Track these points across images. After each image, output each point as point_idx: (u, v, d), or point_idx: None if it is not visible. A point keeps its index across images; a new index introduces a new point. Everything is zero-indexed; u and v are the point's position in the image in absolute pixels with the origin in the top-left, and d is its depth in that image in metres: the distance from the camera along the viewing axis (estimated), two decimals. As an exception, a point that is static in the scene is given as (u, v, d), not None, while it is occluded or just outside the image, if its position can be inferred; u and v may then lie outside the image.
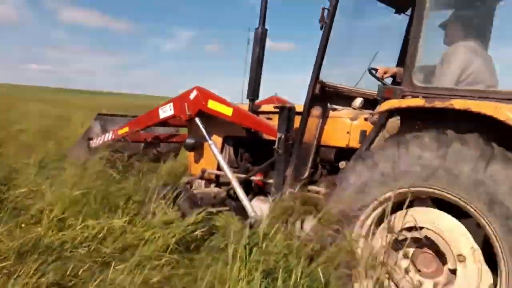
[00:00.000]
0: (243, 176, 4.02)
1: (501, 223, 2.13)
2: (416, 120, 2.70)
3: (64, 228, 3.32)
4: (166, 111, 4.44)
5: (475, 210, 2.22)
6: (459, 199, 2.29)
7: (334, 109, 3.58)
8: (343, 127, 3.42)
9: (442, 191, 2.35)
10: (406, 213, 2.52)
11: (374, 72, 3.51)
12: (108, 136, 5.08)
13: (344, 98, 3.65)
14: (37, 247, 2.96)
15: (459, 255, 2.32)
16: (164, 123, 4.88)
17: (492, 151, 2.18)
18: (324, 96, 3.46)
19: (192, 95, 4.20)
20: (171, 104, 4.39)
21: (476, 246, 2.29)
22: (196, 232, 3.39)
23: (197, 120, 4.18)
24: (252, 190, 4.09)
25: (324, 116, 3.57)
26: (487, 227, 2.19)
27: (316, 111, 3.56)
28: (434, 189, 2.37)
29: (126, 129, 4.89)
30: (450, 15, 3.10)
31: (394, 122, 2.97)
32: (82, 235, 3.21)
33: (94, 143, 5.24)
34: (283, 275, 2.47)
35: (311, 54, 3.35)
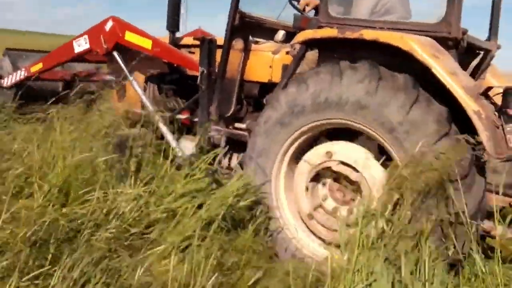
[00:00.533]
0: (168, 115, 3.88)
1: (388, 136, 2.28)
2: (333, 52, 2.68)
3: (68, 203, 2.53)
4: (81, 45, 4.08)
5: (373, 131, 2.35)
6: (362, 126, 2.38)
7: (256, 42, 3.46)
8: (266, 61, 3.34)
9: (338, 119, 2.42)
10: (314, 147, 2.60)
11: (296, 3, 3.39)
12: (21, 73, 4.65)
13: (266, 30, 3.53)
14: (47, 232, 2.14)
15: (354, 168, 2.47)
16: (82, 58, 4.53)
17: (378, 76, 2.25)
18: (245, 28, 3.32)
19: (108, 26, 3.86)
20: (86, 36, 4.03)
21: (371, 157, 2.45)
22: (241, 203, 2.65)
23: (115, 54, 3.88)
24: (179, 130, 4.00)
25: (246, 50, 3.45)
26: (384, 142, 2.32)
27: (238, 44, 3.42)
28: (330, 119, 2.44)
29: (40, 65, 4.48)
30: None
31: (313, 55, 2.94)
32: (100, 211, 2.45)
33: (5, 82, 4.80)
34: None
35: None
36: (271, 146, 2.73)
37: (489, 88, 2.23)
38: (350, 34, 2.40)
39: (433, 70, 2.17)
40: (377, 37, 2.31)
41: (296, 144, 2.70)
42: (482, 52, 3.18)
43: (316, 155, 2.63)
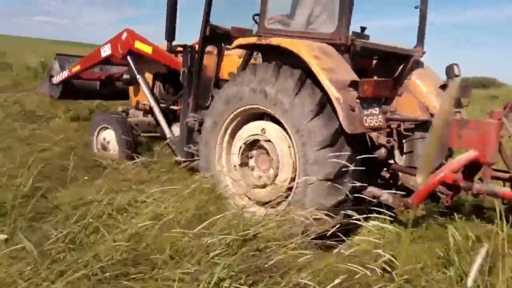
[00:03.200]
0: (163, 105, 5.00)
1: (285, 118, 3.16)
2: (270, 55, 3.59)
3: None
4: (106, 51, 5.37)
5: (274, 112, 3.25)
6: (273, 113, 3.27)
7: (228, 49, 4.45)
8: (234, 63, 4.31)
9: (262, 107, 3.32)
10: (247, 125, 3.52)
11: (256, 18, 4.32)
12: (65, 73, 6.07)
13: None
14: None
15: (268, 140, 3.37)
16: (109, 62, 5.81)
17: (277, 74, 3.12)
18: (217, 37, 4.33)
19: (123, 36, 5.11)
20: (109, 44, 5.31)
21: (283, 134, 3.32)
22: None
23: (128, 58, 5.11)
24: (176, 118, 5.09)
25: (220, 54, 4.47)
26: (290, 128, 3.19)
27: (213, 49, 4.45)
28: (254, 105, 3.35)
29: (78, 67, 5.86)
30: None
31: (259, 57, 3.88)
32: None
33: (56, 79, 6.26)
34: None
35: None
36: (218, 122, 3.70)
37: (355, 82, 3.01)
38: (262, 41, 3.33)
39: (311, 67, 3.02)
40: (279, 43, 3.22)
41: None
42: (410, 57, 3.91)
43: (253, 128, 3.53)
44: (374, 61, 4.22)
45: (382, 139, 3.59)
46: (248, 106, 3.47)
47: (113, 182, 3.56)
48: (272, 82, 3.20)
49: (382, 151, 3.64)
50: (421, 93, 3.97)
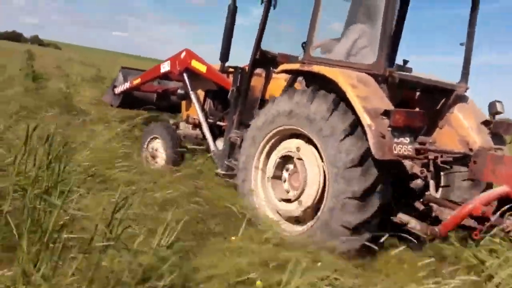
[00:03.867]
0: (211, 121, 5.39)
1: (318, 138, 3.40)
2: (312, 82, 3.86)
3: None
4: (165, 67, 5.90)
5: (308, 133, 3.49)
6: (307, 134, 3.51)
7: (275, 73, 4.76)
8: (280, 86, 4.60)
9: (297, 128, 3.57)
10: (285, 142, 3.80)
11: (304, 45, 4.59)
12: (127, 85, 6.69)
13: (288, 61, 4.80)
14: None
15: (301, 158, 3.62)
16: (167, 77, 6.34)
17: (313, 97, 3.37)
18: (265, 61, 4.67)
19: (182, 55, 5.60)
20: (169, 61, 5.83)
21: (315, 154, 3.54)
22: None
23: (184, 75, 5.58)
24: (221, 133, 5.45)
25: (268, 77, 4.80)
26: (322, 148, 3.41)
27: (262, 72, 4.79)
28: (290, 125, 3.61)
29: (139, 80, 6.45)
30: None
31: (303, 82, 4.16)
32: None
33: (118, 89, 6.90)
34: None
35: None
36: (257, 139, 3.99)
37: (387, 111, 3.17)
38: (304, 67, 3.60)
39: (347, 94, 3.24)
40: (319, 70, 3.47)
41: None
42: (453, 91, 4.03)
43: (289, 145, 3.79)
44: (418, 93, 4.35)
45: (416, 169, 3.71)
46: (284, 127, 3.73)
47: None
48: (307, 105, 3.45)
49: (418, 181, 3.76)
50: (462, 127, 4.05)
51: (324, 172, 3.42)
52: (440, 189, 4.15)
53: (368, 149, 3.13)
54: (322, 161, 3.43)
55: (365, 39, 3.88)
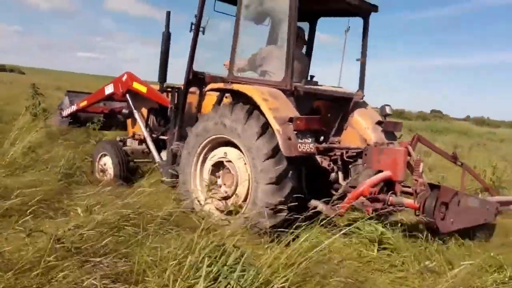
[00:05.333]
0: (155, 135, 6.11)
1: (239, 141, 4.23)
2: (236, 97, 4.70)
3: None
4: (108, 89, 6.56)
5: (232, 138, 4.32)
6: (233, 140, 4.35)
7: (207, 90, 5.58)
8: (213, 101, 5.42)
9: (224, 136, 4.41)
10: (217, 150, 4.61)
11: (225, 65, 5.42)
12: (73, 107, 7.26)
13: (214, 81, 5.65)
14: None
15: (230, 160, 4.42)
16: (111, 98, 6.99)
17: (232, 109, 4.24)
18: (198, 81, 5.48)
19: (124, 78, 6.30)
20: (112, 84, 6.51)
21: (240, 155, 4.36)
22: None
23: (127, 96, 6.28)
24: (165, 146, 6.18)
25: (201, 94, 5.62)
26: (244, 150, 4.24)
27: (196, 90, 5.60)
28: (218, 134, 4.44)
29: (85, 102, 7.06)
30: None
31: (230, 97, 5.01)
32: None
33: (64, 112, 7.45)
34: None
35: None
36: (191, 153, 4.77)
37: (291, 118, 4.08)
38: (225, 86, 4.47)
39: (261, 107, 4.12)
40: (238, 88, 4.35)
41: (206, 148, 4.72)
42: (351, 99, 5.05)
43: (218, 153, 4.60)
44: (327, 102, 5.33)
45: (325, 163, 4.67)
46: (213, 136, 4.56)
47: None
48: (228, 116, 4.30)
49: (333, 175, 4.74)
50: (361, 128, 5.07)
51: (249, 169, 4.27)
52: (349, 178, 5.13)
53: (278, 144, 4.02)
54: (246, 159, 4.28)
55: (275, 59, 4.80)
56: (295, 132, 4.08)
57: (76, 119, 7.45)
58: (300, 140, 4.07)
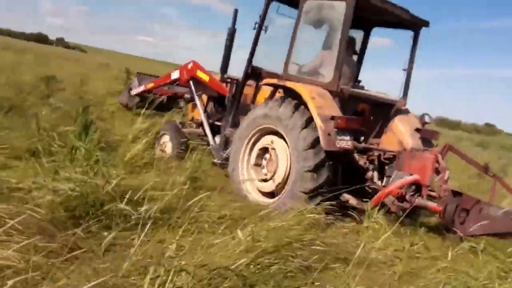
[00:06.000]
0: (211, 121, 6.84)
1: (285, 131, 4.81)
2: (288, 93, 5.30)
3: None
4: (174, 75, 7.36)
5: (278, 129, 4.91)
6: (279, 130, 4.95)
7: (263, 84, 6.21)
8: (266, 95, 6.06)
9: (273, 126, 5.02)
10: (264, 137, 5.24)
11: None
12: (141, 88, 8.17)
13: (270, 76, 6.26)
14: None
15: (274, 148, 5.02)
16: (177, 83, 7.80)
17: (281, 103, 4.82)
18: (255, 75, 6.11)
19: (189, 66, 7.07)
20: (178, 70, 7.30)
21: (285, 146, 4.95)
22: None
23: (190, 82, 7.04)
24: (219, 131, 6.89)
25: (257, 87, 6.25)
26: (288, 139, 4.83)
27: (253, 83, 6.25)
28: (266, 124, 5.06)
29: (152, 84, 7.93)
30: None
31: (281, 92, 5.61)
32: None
33: (133, 92, 8.39)
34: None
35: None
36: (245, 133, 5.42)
37: (333, 117, 4.60)
38: (279, 82, 5.06)
39: (308, 104, 4.68)
40: (290, 85, 4.93)
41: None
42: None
43: (266, 140, 5.23)
44: (370, 106, 5.79)
45: (362, 162, 5.17)
46: (262, 126, 5.18)
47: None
48: (277, 109, 4.90)
49: (369, 174, 5.23)
50: (400, 133, 5.49)
51: (290, 157, 4.86)
52: (384, 178, 5.57)
53: (318, 138, 4.57)
54: (289, 150, 4.86)
55: (326, 63, 5.33)
56: (335, 129, 4.61)
57: (142, 99, 8.36)
58: (339, 137, 4.59)
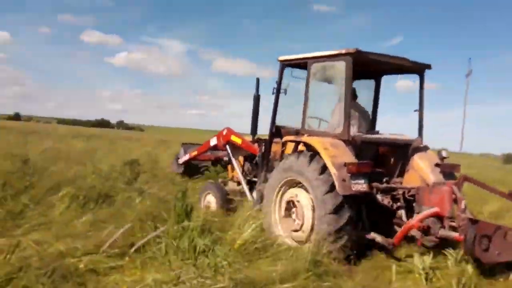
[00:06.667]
0: (248, 178, 7.48)
1: (305, 180, 5.29)
2: (305, 146, 5.85)
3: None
4: (213, 141, 8.21)
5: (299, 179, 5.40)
6: (300, 181, 5.46)
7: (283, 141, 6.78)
8: (290, 150, 6.63)
9: (295, 178, 5.55)
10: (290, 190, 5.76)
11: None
12: (187, 156, 9.09)
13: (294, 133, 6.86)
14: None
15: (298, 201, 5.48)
16: (216, 149, 8.63)
17: (298, 156, 5.35)
18: (280, 133, 6.75)
19: (224, 132, 7.89)
20: (215, 137, 8.14)
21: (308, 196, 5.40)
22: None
23: (227, 146, 7.82)
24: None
25: (283, 144, 6.86)
26: (308, 188, 5.31)
27: (279, 140, 6.88)
28: (290, 177, 5.59)
29: (195, 152, 8.83)
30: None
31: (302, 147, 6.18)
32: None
33: (180, 160, 9.34)
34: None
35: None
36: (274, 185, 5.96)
37: (346, 164, 5.05)
38: (296, 138, 5.65)
39: (321, 154, 5.19)
40: (305, 140, 5.49)
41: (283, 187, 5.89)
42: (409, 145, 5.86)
43: (291, 193, 5.74)
44: (391, 148, 6.16)
45: (386, 201, 5.51)
46: (286, 179, 5.72)
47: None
48: (296, 161, 5.44)
49: (399, 211, 5.55)
50: (421, 169, 5.78)
51: (313, 206, 5.31)
52: (414, 215, 5.81)
53: (343, 200, 5.01)
54: (312, 199, 5.32)
55: (337, 115, 5.86)
56: (349, 174, 5.04)
57: (189, 166, 9.28)
58: (353, 181, 5.02)
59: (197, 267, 3.80)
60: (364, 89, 6.70)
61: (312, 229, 5.34)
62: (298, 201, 5.53)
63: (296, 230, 5.55)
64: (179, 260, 4.10)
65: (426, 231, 4.96)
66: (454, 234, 4.74)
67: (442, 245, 5.01)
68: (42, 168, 8.24)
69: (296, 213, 5.66)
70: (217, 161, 9.38)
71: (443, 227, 4.89)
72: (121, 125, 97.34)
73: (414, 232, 5.03)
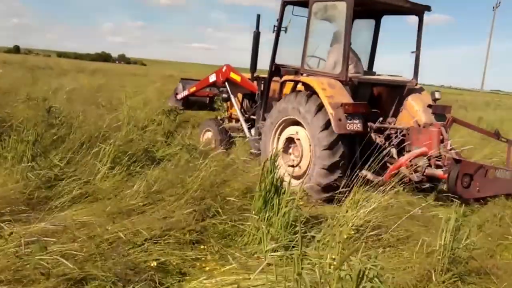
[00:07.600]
0: (247, 116, 7.75)
1: (302, 118, 5.58)
2: (304, 85, 6.07)
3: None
4: (212, 78, 8.36)
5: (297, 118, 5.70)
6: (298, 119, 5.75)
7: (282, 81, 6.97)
8: (289, 89, 6.85)
9: (293, 117, 5.83)
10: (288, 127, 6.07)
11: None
12: (185, 92, 9.28)
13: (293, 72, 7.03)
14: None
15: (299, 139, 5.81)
16: (215, 85, 8.81)
17: (296, 95, 5.60)
18: (280, 71, 6.92)
19: (224, 69, 8.02)
20: (214, 74, 8.29)
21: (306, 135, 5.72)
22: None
23: (226, 83, 8.00)
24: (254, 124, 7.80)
25: (282, 83, 7.06)
26: (305, 126, 5.62)
27: (278, 79, 7.07)
28: (288, 116, 5.87)
29: (194, 88, 9.01)
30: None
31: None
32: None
33: (179, 96, 9.53)
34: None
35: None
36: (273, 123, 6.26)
37: (342, 104, 5.31)
38: (294, 77, 5.84)
39: (319, 94, 5.43)
40: (303, 80, 5.70)
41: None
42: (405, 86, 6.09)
43: (291, 130, 6.05)
44: (385, 89, 6.40)
45: (379, 140, 5.85)
46: (284, 117, 6.00)
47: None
48: (293, 101, 5.70)
49: (392, 150, 5.89)
50: (413, 110, 6.07)
51: (310, 143, 5.64)
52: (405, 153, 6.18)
53: (337, 137, 5.31)
54: (309, 137, 5.64)
55: (335, 56, 6.02)
56: (345, 114, 5.33)
57: (188, 102, 9.49)
58: (349, 121, 5.31)
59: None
60: (364, 30, 6.81)
61: (308, 165, 5.72)
62: (298, 139, 5.85)
63: (292, 166, 5.94)
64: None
65: (414, 169, 5.35)
66: (439, 173, 5.14)
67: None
68: (67, 115, 6.75)
69: (293, 149, 6.01)
70: (214, 98, 9.62)
71: (429, 165, 5.28)
72: (122, 58, 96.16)
73: (404, 170, 5.42)
